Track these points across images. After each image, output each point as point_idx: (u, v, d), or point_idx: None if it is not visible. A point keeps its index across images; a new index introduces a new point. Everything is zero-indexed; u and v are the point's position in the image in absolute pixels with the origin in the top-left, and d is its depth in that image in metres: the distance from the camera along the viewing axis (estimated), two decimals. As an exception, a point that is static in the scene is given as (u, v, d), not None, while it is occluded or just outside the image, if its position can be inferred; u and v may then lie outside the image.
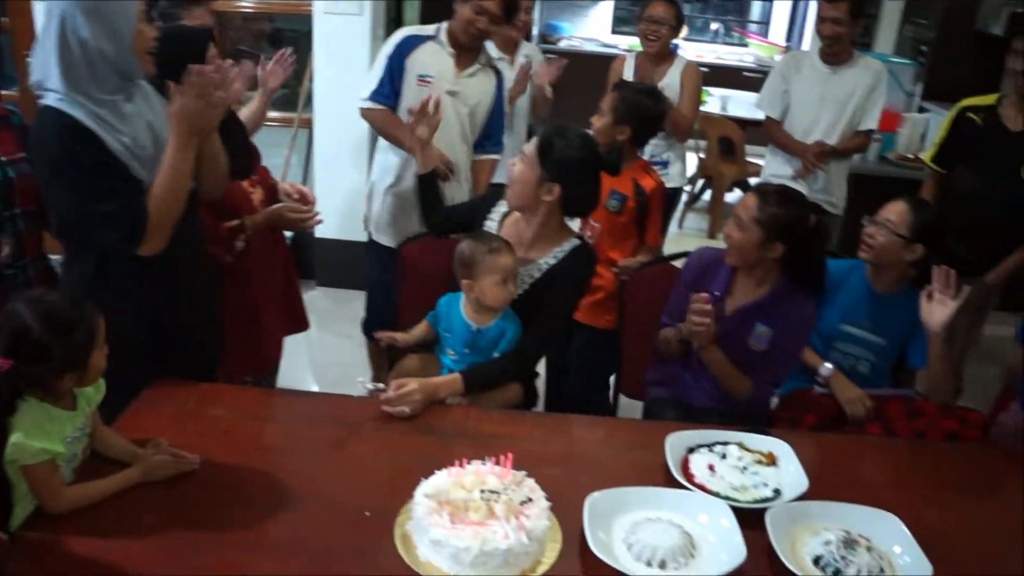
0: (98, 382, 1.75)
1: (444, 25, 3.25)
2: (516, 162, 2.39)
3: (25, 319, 1.57)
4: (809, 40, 7.64)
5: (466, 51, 3.25)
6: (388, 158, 3.38)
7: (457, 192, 3.28)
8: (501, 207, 2.54)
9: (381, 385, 2.13)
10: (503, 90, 3.41)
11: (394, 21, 5.41)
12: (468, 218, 2.60)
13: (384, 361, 3.73)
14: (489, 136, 3.43)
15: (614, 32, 9.15)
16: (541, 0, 8.36)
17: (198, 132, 1.97)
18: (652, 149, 3.77)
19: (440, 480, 1.70)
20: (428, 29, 3.29)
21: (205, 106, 1.93)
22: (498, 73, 3.39)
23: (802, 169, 3.76)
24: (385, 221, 3.39)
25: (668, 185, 3.68)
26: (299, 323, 3.18)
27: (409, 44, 3.24)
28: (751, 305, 2.42)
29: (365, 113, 3.30)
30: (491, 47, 3.73)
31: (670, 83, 3.83)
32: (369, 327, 3.44)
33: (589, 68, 8.30)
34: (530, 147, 2.37)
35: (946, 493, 2.03)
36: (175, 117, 1.93)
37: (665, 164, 3.87)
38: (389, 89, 3.23)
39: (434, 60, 3.23)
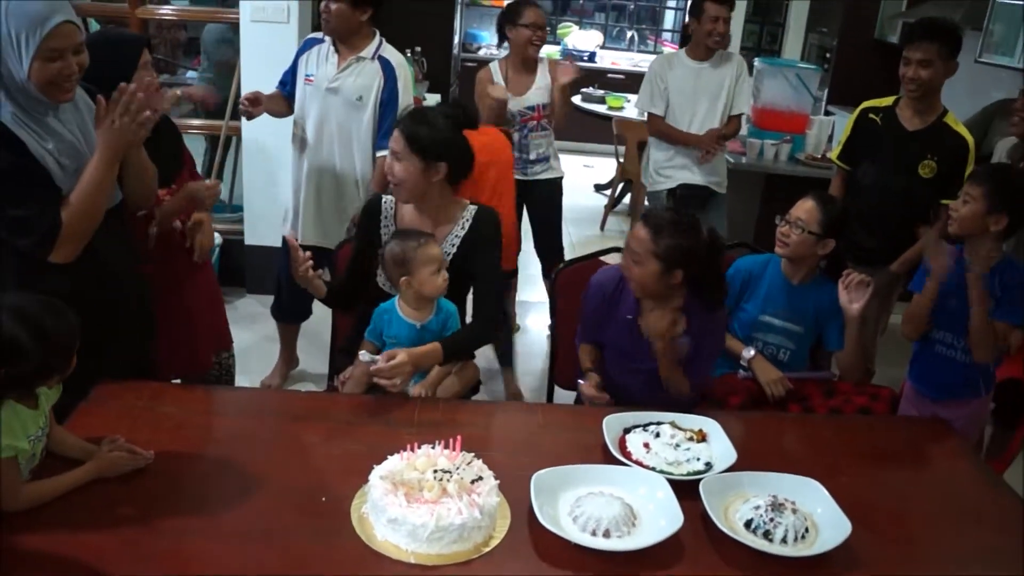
0: (57, 382, 1.78)
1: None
2: (391, 162, 2.43)
3: (11, 329, 1.60)
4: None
5: (348, 47, 3.41)
6: (295, 166, 3.64)
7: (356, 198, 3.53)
8: (387, 205, 2.58)
9: (377, 357, 2.16)
10: (394, 82, 3.43)
11: (318, 30, 5.45)
12: (366, 246, 2.59)
13: (293, 341, 3.91)
14: (381, 131, 3.46)
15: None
16: (463, 9, 8.46)
17: (124, 148, 2.00)
18: (535, 147, 4.14)
19: (393, 463, 1.79)
20: (320, 32, 3.51)
21: (132, 124, 1.96)
22: (387, 65, 3.43)
23: (704, 155, 4.14)
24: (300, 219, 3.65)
25: (552, 176, 4.27)
26: (223, 341, 3.16)
27: (305, 46, 3.53)
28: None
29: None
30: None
31: (543, 84, 4.09)
32: (278, 311, 3.88)
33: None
34: (399, 144, 2.40)
35: (861, 460, 2.19)
36: (102, 133, 1.96)
37: (547, 160, 4.21)
38: (287, 79, 3.58)
39: (320, 60, 3.46)
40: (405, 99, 3.47)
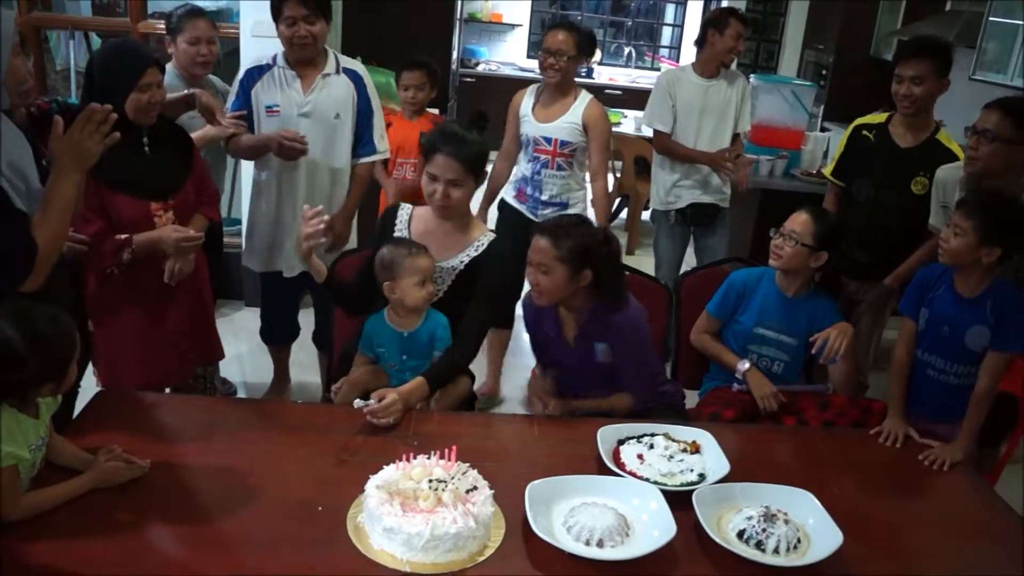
0: (55, 392, 1.80)
1: (278, 50, 3.23)
2: (446, 189, 2.43)
3: (7, 332, 1.61)
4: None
5: (308, 67, 3.21)
6: (269, 202, 3.38)
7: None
8: (404, 213, 2.63)
9: (371, 402, 2.19)
10: (366, 90, 3.29)
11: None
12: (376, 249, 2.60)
13: (285, 364, 3.81)
14: (360, 140, 3.33)
15: (529, 56, 9.38)
16: (461, 25, 8.52)
17: (86, 166, 1.93)
18: (548, 187, 3.73)
19: (389, 473, 1.81)
20: (266, 57, 3.26)
21: (92, 144, 1.89)
22: (355, 76, 3.28)
23: (723, 175, 4.09)
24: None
25: None
26: (211, 354, 3.08)
27: (250, 77, 3.24)
28: (581, 332, 2.51)
29: (228, 148, 3.31)
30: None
31: (572, 121, 3.67)
32: (267, 335, 3.75)
33: (506, 91, 8.54)
34: (457, 172, 2.43)
35: (853, 472, 2.22)
36: (64, 151, 1.87)
37: (563, 205, 3.75)
38: (235, 106, 3.26)
39: (279, 87, 3.21)
40: (376, 105, 3.36)
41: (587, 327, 2.49)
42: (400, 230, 2.61)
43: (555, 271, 2.36)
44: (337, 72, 3.25)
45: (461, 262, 2.53)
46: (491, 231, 2.61)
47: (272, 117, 3.22)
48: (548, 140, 3.68)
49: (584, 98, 3.70)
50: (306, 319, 3.79)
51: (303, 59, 3.19)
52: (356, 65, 3.35)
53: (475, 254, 2.53)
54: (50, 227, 1.85)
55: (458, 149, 2.43)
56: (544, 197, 3.74)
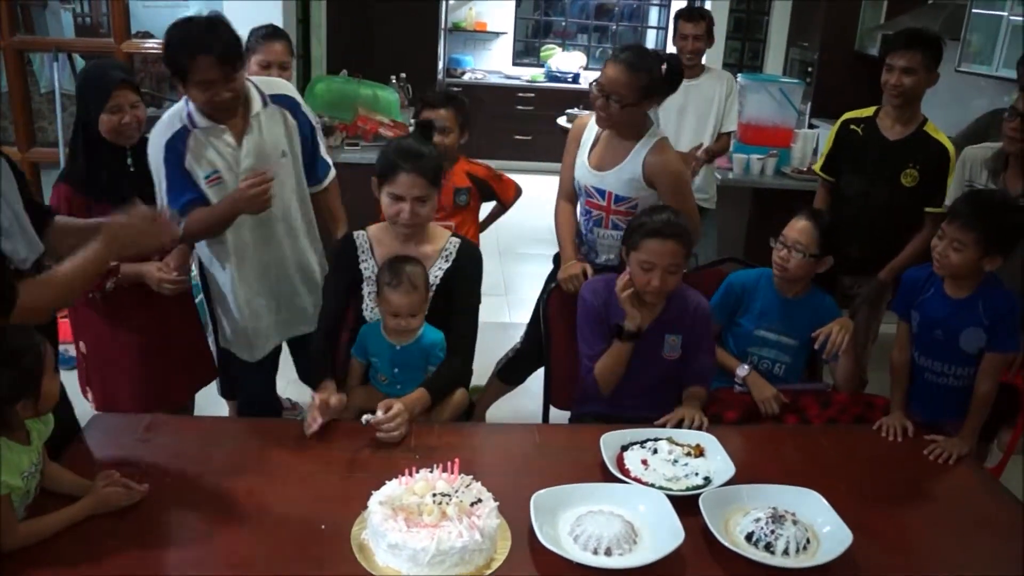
0: (47, 417, 1.77)
1: (188, 106, 2.55)
2: (413, 207, 2.37)
3: None
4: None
5: (233, 116, 2.59)
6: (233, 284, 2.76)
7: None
8: (362, 240, 2.51)
9: (379, 414, 2.16)
10: (301, 109, 2.79)
11: (302, 58, 5.46)
12: (348, 282, 2.51)
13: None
14: (311, 165, 2.86)
15: (515, 64, 9.38)
16: (446, 35, 8.52)
17: (119, 255, 2.02)
18: (604, 248, 2.98)
19: (392, 488, 1.79)
20: (176, 118, 2.56)
21: (143, 242, 1.99)
22: (286, 100, 2.74)
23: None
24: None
25: None
26: (205, 375, 3.06)
27: (174, 152, 2.55)
28: (655, 323, 2.51)
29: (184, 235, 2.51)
30: None
31: (631, 172, 2.83)
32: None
33: (494, 99, 8.56)
34: (422, 188, 2.37)
35: (859, 469, 2.21)
36: (113, 235, 1.91)
37: (620, 270, 2.69)
38: (188, 193, 2.58)
39: (214, 150, 2.59)
40: (314, 117, 2.89)
41: (661, 318, 2.50)
42: (364, 258, 2.50)
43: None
44: (265, 105, 2.66)
45: (436, 277, 2.47)
46: (455, 235, 2.56)
47: (215, 186, 2.61)
48: (600, 192, 2.90)
49: (647, 143, 2.83)
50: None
51: (233, 110, 2.59)
52: (280, 87, 2.80)
53: (447, 265, 2.49)
54: (54, 291, 1.86)
55: (419, 164, 2.37)
56: (599, 260, 2.98)
